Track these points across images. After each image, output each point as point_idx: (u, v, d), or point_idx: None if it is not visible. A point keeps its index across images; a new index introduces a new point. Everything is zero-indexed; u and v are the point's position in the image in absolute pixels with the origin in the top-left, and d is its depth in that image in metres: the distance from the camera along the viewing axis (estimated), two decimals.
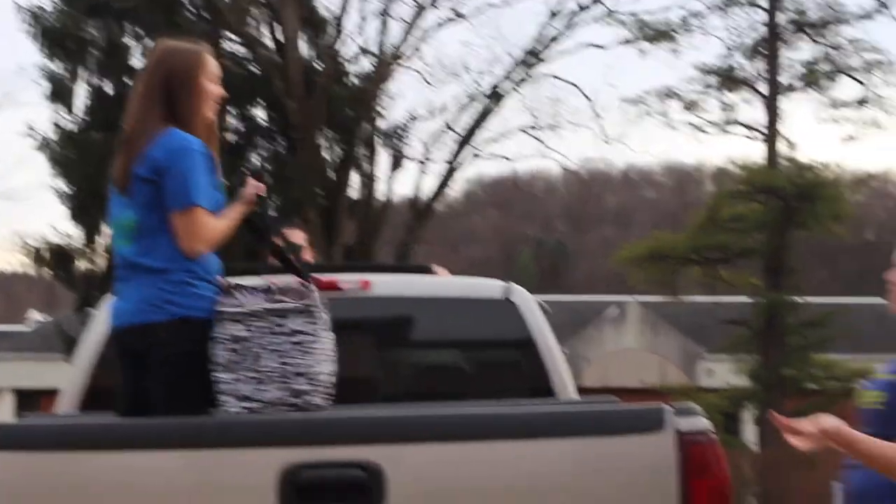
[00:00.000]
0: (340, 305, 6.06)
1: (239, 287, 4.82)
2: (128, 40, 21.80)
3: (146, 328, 4.77)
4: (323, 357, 4.72)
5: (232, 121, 22.78)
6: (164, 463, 4.04)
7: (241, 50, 22.96)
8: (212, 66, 5.07)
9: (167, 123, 4.90)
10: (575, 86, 28.78)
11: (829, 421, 4.08)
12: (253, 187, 5.01)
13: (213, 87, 5.06)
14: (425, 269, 6.65)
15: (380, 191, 24.18)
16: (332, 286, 6.01)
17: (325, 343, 4.76)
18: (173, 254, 4.82)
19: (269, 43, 22.82)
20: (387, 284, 6.17)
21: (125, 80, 20.89)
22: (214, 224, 4.86)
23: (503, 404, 5.37)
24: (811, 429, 4.04)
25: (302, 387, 4.61)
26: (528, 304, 6.13)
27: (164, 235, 4.82)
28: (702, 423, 4.20)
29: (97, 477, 4.00)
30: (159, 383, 4.72)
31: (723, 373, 29.78)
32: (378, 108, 23.90)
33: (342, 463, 4.01)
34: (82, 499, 3.98)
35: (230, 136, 22.63)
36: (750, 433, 28.86)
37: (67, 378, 5.87)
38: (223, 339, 4.67)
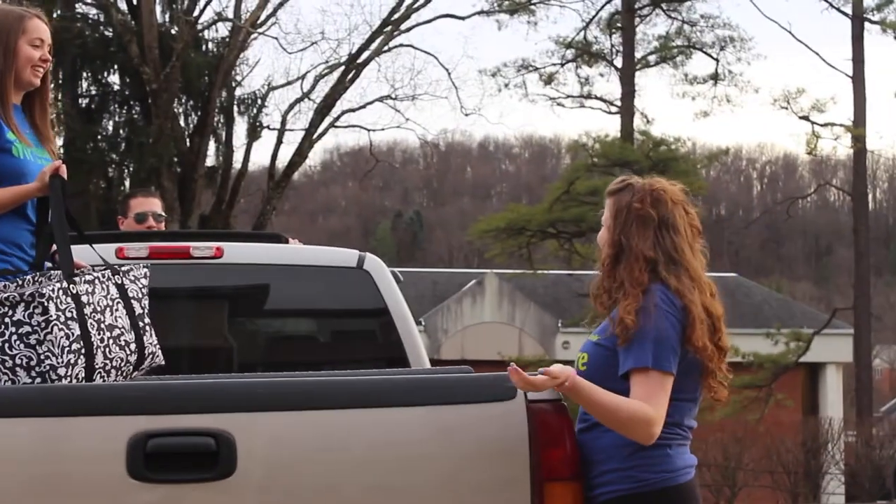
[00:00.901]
0: (193, 273, 6.00)
1: (43, 269, 4.72)
2: None
3: None
4: (57, 351, 4.42)
5: (86, 85, 22.40)
6: (9, 430, 3.95)
7: (94, 13, 22.57)
8: (34, 29, 4.95)
9: None
10: (433, 56, 28.91)
11: (558, 369, 4.16)
12: (51, 166, 4.76)
13: (34, 51, 4.93)
14: (279, 238, 6.60)
15: (236, 159, 23.99)
16: (183, 253, 5.94)
17: (62, 334, 4.44)
18: None
19: (124, 6, 22.44)
20: (240, 252, 6.10)
21: None
22: None
23: (356, 373, 5.35)
24: (546, 381, 4.12)
25: (24, 380, 4.39)
26: (383, 272, 6.11)
27: None
28: (552, 392, 4.23)
29: None
30: None
31: (579, 345, 30.03)
32: (235, 76, 23.68)
33: (192, 431, 3.96)
34: None
35: (83, 102, 22.26)
36: None
37: None
38: None
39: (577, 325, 31.06)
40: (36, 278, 4.63)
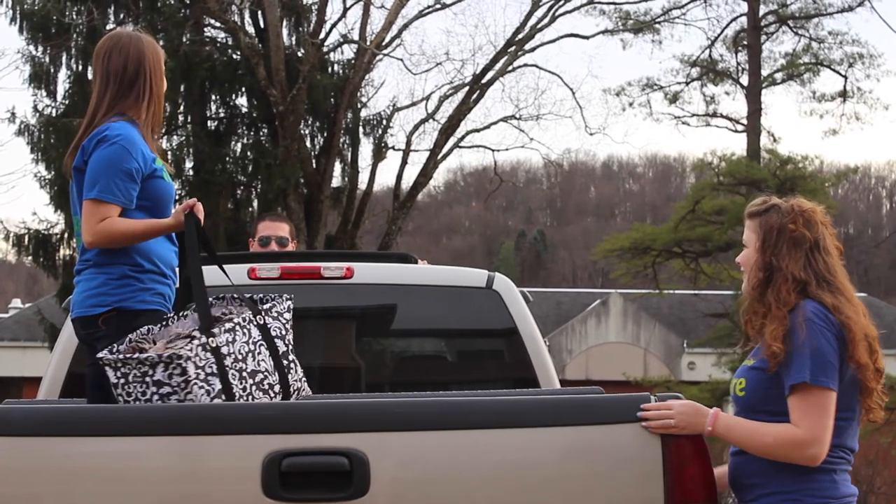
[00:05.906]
0: (323, 293, 6.04)
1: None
2: (110, 25, 21.69)
3: (87, 320, 4.79)
4: None
5: (214, 108, 22.71)
6: (147, 449, 4.00)
7: (222, 36, 22.87)
8: (163, 59, 5.04)
9: (116, 112, 4.86)
10: (557, 76, 28.87)
11: (673, 411, 4.11)
12: (186, 205, 4.76)
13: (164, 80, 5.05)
14: (408, 258, 6.62)
15: (362, 180, 24.14)
16: (315, 273, 5.98)
17: (202, 392, 4.47)
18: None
19: (251, 30, 22.73)
20: (370, 272, 6.13)
21: None
22: (114, 221, 4.73)
23: (486, 393, 5.34)
24: (662, 427, 4.08)
25: None
26: (511, 292, 6.09)
27: None
28: None
29: (80, 462, 3.97)
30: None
31: (705, 366, 29.83)
32: (360, 97, 23.84)
33: (326, 451, 3.98)
34: (65, 484, 3.95)
35: (212, 124, 22.57)
36: None
37: (48, 365, 5.82)
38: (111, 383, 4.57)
39: (702, 345, 30.75)
40: (177, 326, 4.65)
